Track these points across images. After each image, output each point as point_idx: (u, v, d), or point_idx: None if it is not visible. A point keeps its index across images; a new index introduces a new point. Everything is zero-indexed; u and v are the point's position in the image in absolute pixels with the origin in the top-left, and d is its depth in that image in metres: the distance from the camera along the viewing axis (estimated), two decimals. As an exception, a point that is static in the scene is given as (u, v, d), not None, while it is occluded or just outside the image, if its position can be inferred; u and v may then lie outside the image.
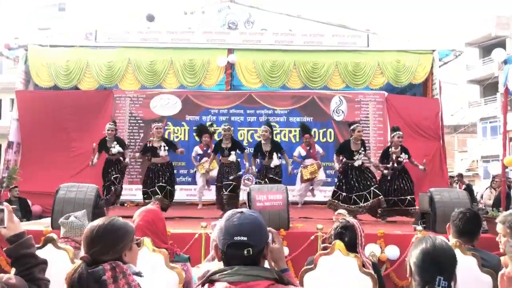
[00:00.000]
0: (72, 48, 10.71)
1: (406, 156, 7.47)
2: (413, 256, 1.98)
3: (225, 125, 8.25)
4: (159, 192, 7.42)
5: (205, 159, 9.30)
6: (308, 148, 9.59)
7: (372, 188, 7.09)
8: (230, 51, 10.80)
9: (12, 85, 12.38)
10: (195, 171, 9.79)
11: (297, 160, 9.57)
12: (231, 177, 7.81)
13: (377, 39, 11.13)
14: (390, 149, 7.53)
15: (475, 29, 29.95)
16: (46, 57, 10.62)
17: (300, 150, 9.65)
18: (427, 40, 11.56)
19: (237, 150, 8.05)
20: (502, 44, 26.15)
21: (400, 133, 7.56)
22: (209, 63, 10.72)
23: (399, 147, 7.50)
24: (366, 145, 10.60)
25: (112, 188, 7.83)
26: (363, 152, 7.49)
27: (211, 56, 10.73)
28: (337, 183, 7.49)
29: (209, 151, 9.19)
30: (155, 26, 11.04)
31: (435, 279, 1.86)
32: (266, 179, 7.99)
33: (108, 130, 8.05)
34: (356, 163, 7.28)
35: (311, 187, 9.87)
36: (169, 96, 10.73)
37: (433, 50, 11.02)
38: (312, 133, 10.81)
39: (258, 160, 8.48)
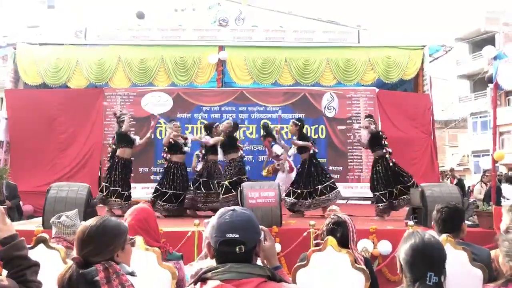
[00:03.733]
0: (62, 46, 10.63)
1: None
2: (402, 252, 1.99)
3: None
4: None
5: None
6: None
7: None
8: (221, 48, 10.78)
9: (1, 84, 12.27)
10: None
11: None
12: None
13: (367, 35, 11.17)
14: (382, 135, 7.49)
15: (465, 24, 30.14)
16: (35, 55, 10.54)
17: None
18: (417, 36, 11.58)
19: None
20: (491, 39, 26.36)
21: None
22: (200, 60, 10.70)
23: None
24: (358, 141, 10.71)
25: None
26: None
27: (202, 53, 10.71)
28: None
29: None
30: (146, 24, 10.97)
31: (426, 275, 1.88)
32: None
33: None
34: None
35: None
36: (160, 93, 10.64)
37: (424, 46, 11.10)
38: (304, 129, 10.80)
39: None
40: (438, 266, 1.92)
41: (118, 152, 7.53)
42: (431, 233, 2.11)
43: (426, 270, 1.89)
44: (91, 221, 2.04)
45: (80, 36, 10.88)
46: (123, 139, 7.58)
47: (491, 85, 6.66)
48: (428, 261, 1.92)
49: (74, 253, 2.01)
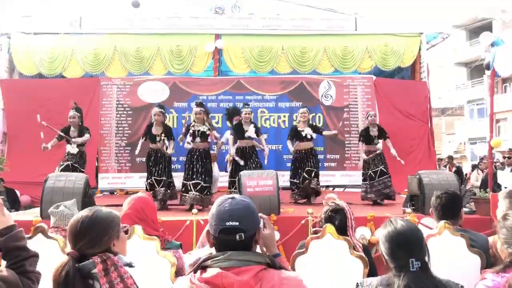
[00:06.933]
0: (57, 35, 10.53)
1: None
2: (381, 245, 2.00)
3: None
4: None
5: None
6: None
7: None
8: (218, 36, 10.70)
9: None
10: (227, 160, 8.84)
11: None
12: None
13: (365, 22, 11.12)
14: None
15: (462, 12, 30.07)
16: (30, 44, 10.45)
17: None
18: (414, 23, 11.53)
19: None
20: (488, 27, 26.28)
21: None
22: (196, 48, 10.62)
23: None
24: (355, 128, 10.73)
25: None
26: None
27: (198, 42, 10.62)
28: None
29: None
30: (141, 12, 10.87)
31: (408, 262, 1.88)
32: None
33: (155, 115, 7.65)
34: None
35: None
36: (157, 83, 10.62)
37: (421, 33, 11.06)
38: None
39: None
40: (418, 250, 1.93)
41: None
42: (407, 219, 2.11)
43: (407, 257, 1.90)
44: (82, 213, 2.00)
45: (75, 26, 10.77)
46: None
47: (488, 72, 6.64)
48: (405, 248, 1.93)
49: (68, 249, 1.97)
